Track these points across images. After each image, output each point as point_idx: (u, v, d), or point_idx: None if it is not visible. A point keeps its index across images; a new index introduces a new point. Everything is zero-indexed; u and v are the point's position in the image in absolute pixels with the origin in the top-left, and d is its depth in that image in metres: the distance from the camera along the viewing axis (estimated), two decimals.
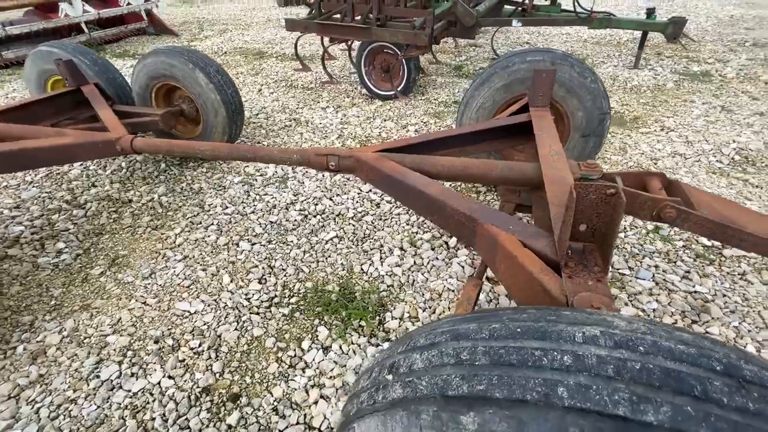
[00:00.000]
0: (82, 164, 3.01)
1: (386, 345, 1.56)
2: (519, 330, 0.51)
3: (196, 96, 2.67)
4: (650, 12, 3.98)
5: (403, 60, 3.58)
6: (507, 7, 4.48)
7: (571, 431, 0.39)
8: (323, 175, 2.75)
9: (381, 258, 2.00)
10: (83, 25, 5.94)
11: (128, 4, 6.71)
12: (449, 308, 1.70)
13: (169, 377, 1.49)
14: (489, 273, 1.82)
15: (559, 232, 0.87)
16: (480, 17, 3.67)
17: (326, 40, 4.03)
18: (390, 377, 0.57)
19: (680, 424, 0.37)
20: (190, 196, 2.59)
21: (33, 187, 2.74)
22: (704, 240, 2.02)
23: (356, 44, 4.87)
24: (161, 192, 2.61)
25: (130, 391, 1.45)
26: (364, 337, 1.60)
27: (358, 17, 3.61)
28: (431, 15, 3.10)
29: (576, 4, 3.90)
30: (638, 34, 5.55)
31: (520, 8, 4.30)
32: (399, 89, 3.75)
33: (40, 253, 2.12)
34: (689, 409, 0.38)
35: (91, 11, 5.86)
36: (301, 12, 9.06)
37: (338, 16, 3.93)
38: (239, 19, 8.50)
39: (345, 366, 1.50)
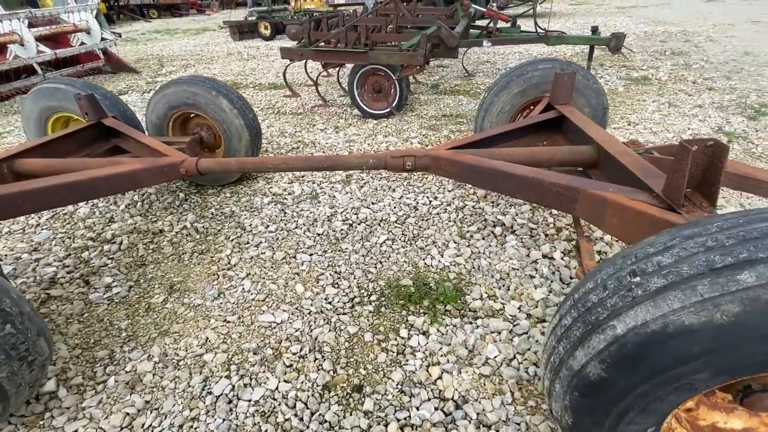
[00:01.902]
0: (89, 202, 2.88)
1: (480, 321, 1.71)
2: (741, 221, 0.72)
3: (219, 122, 2.71)
4: (595, 29, 4.65)
5: (396, 79, 3.86)
6: (473, 31, 5.01)
7: None
8: (351, 188, 2.87)
9: (439, 252, 2.16)
10: (36, 66, 5.63)
11: (82, 43, 6.47)
12: (521, 284, 1.89)
13: (285, 381, 1.51)
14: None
15: (672, 181, 1.11)
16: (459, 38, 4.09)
17: (311, 65, 4.22)
18: (638, 279, 0.75)
19: None
20: (225, 220, 2.58)
21: (43, 229, 2.58)
22: None
23: (344, 71, 5.13)
24: (191, 219, 2.59)
25: (250, 400, 1.45)
26: (456, 318, 1.74)
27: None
28: (425, 37, 3.42)
29: (536, 25, 4.47)
30: (580, 49, 6.40)
31: (485, 31, 4.82)
32: (394, 106, 4.01)
33: (88, 290, 2.02)
34: None
35: (47, 51, 5.58)
36: (259, 45, 9.21)
37: (323, 44, 4.16)
38: (198, 54, 8.45)
39: (450, 344, 1.62)
